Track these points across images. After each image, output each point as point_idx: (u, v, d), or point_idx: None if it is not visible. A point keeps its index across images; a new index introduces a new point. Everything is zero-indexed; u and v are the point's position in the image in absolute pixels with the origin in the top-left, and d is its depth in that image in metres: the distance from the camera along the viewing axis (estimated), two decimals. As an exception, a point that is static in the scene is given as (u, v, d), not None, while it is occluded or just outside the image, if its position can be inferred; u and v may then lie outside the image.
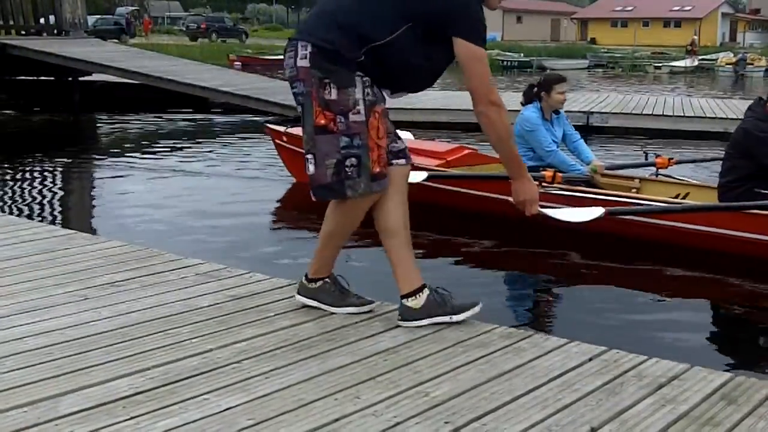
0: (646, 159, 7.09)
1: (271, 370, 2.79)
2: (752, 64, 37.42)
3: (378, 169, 3.08)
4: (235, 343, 3.03)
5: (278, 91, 15.37)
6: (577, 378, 2.77)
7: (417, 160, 6.86)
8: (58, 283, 3.72)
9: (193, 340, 3.05)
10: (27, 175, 9.26)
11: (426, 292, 3.20)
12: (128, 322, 3.23)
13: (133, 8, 60.78)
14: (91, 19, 33.66)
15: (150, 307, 3.41)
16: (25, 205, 7.72)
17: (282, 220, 6.97)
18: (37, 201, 8.02)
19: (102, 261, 4.10)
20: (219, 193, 8.24)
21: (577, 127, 12.19)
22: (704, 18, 70.07)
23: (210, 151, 11.07)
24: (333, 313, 3.31)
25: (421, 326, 3.17)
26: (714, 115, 12.95)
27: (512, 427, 2.41)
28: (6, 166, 9.52)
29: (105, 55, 15.69)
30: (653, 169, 6.88)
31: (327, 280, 3.33)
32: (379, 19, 2.98)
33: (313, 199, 3.17)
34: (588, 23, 74.92)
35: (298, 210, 7.29)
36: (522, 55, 42.25)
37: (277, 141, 8.10)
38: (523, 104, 6.66)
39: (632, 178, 6.78)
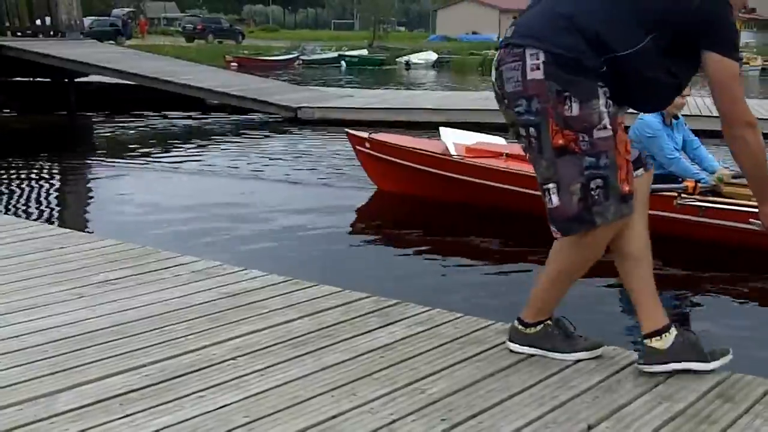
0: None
1: (267, 367, 2.78)
2: (748, 63, 37.45)
3: (627, 189, 2.64)
4: (230, 340, 3.03)
5: (274, 91, 15.40)
6: (574, 375, 2.76)
7: (524, 167, 6.73)
8: (54, 281, 3.71)
9: (189, 338, 3.04)
10: (24, 175, 9.25)
11: (673, 331, 2.77)
12: (123, 320, 3.22)
13: (129, 9, 60.74)
14: (87, 21, 33.62)
15: (145, 305, 3.40)
16: (23, 204, 7.73)
17: (277, 217, 6.96)
18: (34, 200, 8.03)
19: (98, 259, 4.09)
20: (214, 191, 8.24)
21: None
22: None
23: (205, 151, 11.07)
24: (559, 360, 2.85)
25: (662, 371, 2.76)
26: (700, 113, 12.97)
27: (508, 425, 2.40)
28: (3, 166, 9.51)
29: (101, 56, 15.66)
30: None
31: (548, 322, 2.89)
32: (625, 27, 2.54)
33: (558, 236, 2.71)
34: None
35: (294, 208, 7.30)
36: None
37: (358, 147, 7.87)
38: None
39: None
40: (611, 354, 2.94)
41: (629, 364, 2.84)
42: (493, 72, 2.70)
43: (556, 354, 2.84)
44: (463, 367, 2.83)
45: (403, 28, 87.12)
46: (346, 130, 8.26)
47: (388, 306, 3.44)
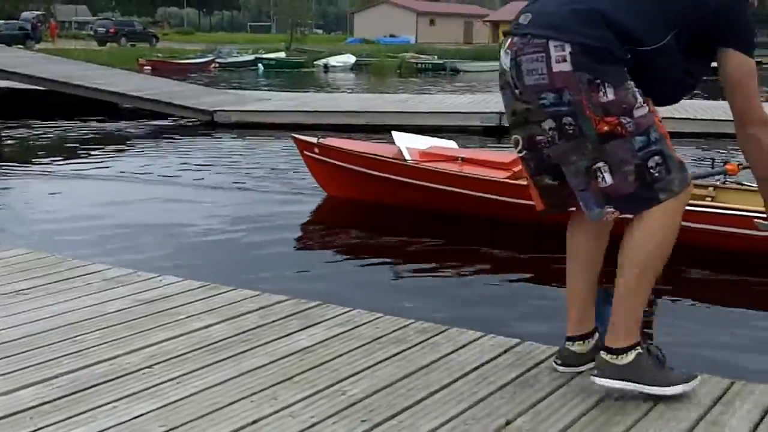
0: (713, 167, 6.70)
1: (184, 375, 2.73)
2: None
3: (679, 156, 2.53)
4: (145, 347, 2.97)
5: (190, 95, 15.22)
6: (493, 371, 2.79)
7: (481, 171, 6.83)
8: (-40, 293, 3.59)
9: (102, 347, 2.97)
10: (-73, 184, 8.92)
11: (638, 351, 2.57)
12: (33, 331, 3.12)
13: (39, 13, 59.18)
14: (-5, 24, 32.63)
15: (56, 315, 3.31)
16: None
17: (195, 223, 6.86)
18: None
19: (6, 269, 3.97)
20: (128, 197, 8.08)
21: (489, 129, 12.67)
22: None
23: (119, 157, 10.86)
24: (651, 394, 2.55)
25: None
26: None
27: (428, 423, 2.41)
28: None
29: (9, 60, 15.25)
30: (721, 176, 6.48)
31: (639, 349, 2.56)
32: (651, 22, 2.45)
33: (613, 216, 2.52)
34: (500, 26, 75.86)
35: (212, 213, 7.20)
36: (436, 57, 42.63)
37: (306, 152, 7.71)
38: None
39: (705, 186, 6.45)
40: (528, 349, 2.98)
41: (546, 359, 2.88)
42: (506, 61, 2.55)
43: (654, 388, 2.53)
44: (384, 367, 2.82)
45: (320, 31, 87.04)
46: (293, 134, 8.12)
47: (308, 308, 3.42)
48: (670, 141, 2.52)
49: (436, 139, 7.89)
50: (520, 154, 2.69)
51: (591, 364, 2.67)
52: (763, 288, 5.23)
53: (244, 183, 8.67)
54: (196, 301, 3.50)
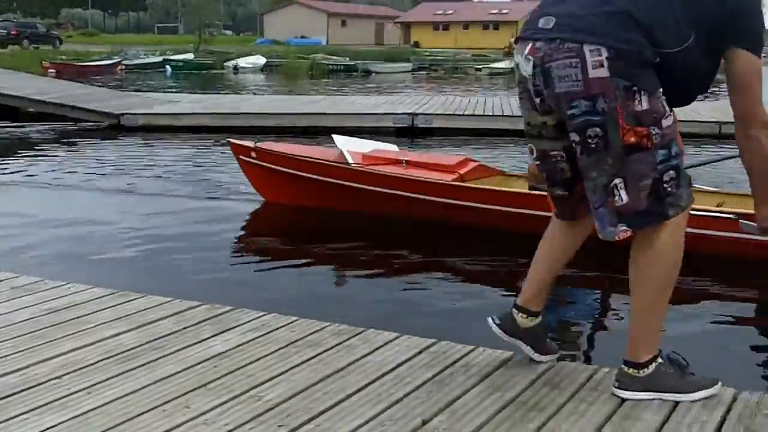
0: None
1: (94, 384, 2.67)
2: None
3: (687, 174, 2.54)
4: (54, 357, 2.89)
5: (95, 97, 14.90)
6: (409, 371, 2.80)
7: (427, 174, 6.73)
8: None
9: (9, 358, 2.88)
10: None
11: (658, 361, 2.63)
12: (-65, 344, 3.01)
13: (-65, 14, 57.02)
14: None
15: (-41, 327, 3.19)
16: None
17: (101, 228, 6.69)
18: None
19: None
20: (33, 203, 7.85)
21: (402, 129, 12.75)
22: (520, 20, 72.93)
23: (22, 162, 10.51)
24: (677, 402, 2.57)
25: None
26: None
27: (346, 426, 2.40)
28: None
29: None
30: None
31: (659, 360, 2.61)
32: (674, 24, 2.40)
33: (626, 235, 2.51)
34: (411, 27, 76.53)
35: (121, 218, 7.04)
36: (348, 58, 42.65)
37: (243, 157, 7.46)
38: None
39: None
40: (444, 349, 3.01)
41: (461, 358, 2.91)
42: (527, 68, 2.48)
43: (678, 396, 2.57)
44: (301, 370, 2.81)
45: (229, 32, 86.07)
46: (229, 139, 7.88)
47: (222, 313, 3.38)
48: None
49: (377, 142, 7.84)
50: (536, 162, 2.71)
51: (518, 343, 2.81)
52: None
53: (155, 188, 8.50)
54: (106, 308, 3.42)
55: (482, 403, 2.56)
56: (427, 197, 6.52)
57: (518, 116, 12.90)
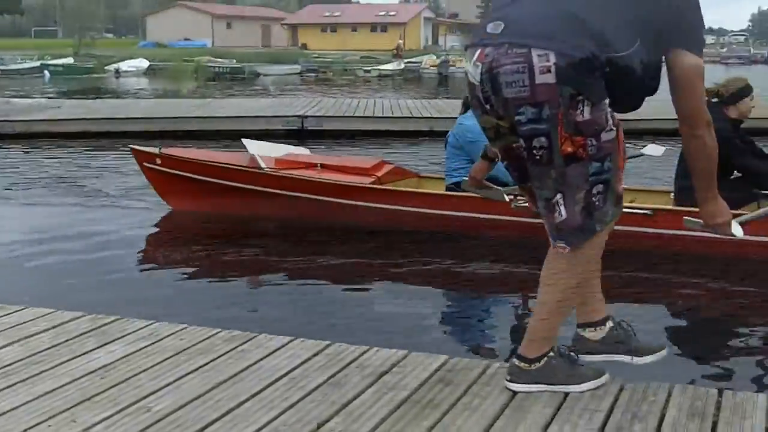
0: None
1: (-29, 403, 2.53)
2: (454, 65, 39.74)
3: (621, 189, 2.55)
4: (-74, 377, 2.73)
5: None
6: (303, 375, 2.77)
7: (343, 178, 6.60)
8: None
9: None
10: None
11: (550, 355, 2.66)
12: None
13: None
14: None
15: None
16: None
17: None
18: None
19: None
20: None
21: (291, 132, 12.65)
22: (408, 22, 73.72)
23: None
24: (567, 393, 2.62)
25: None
26: (421, 115, 13.63)
27: (239, 433, 2.35)
28: None
29: None
30: None
31: (550, 354, 2.64)
32: (623, 27, 2.37)
33: (564, 250, 2.50)
34: (298, 29, 76.30)
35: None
36: (234, 61, 42.18)
37: (147, 164, 7.13)
38: (461, 113, 6.41)
39: None
40: (338, 351, 2.98)
41: (355, 359, 2.90)
42: (476, 74, 2.44)
43: (566, 387, 2.61)
44: (191, 379, 2.74)
45: (111, 35, 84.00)
46: (131, 145, 7.51)
47: (106, 324, 3.27)
48: (623, 174, 2.54)
49: (288, 146, 7.72)
50: (503, 163, 2.65)
51: (605, 356, 2.73)
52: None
53: (36, 196, 8.18)
54: (-17, 323, 3.27)
55: (377, 402, 2.55)
56: (345, 201, 6.46)
57: (408, 117, 13.01)
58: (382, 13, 76.21)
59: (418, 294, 5.12)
